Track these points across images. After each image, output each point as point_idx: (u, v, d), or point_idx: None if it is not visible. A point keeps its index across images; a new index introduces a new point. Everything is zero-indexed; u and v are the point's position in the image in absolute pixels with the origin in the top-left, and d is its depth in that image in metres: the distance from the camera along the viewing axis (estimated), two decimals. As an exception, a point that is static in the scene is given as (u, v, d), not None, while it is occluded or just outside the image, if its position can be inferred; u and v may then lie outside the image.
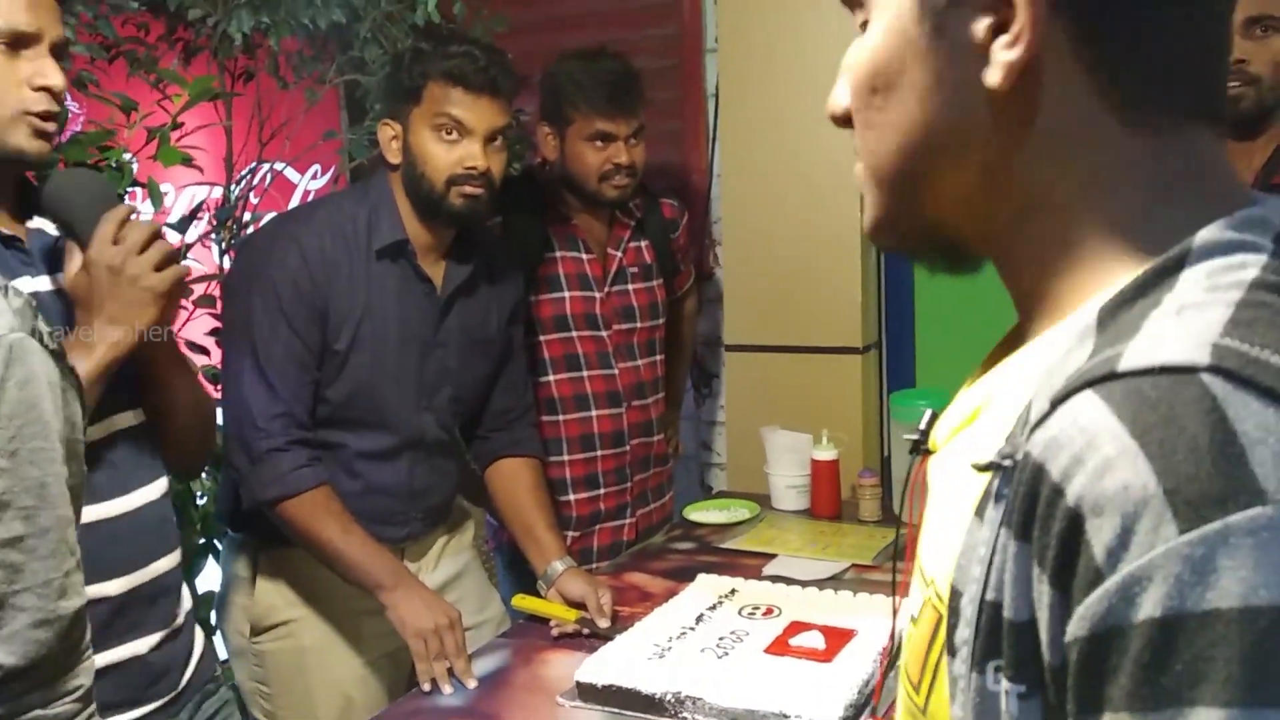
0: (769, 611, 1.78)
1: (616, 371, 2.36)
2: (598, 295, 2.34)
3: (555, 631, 1.79)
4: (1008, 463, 0.52)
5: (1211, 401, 0.46)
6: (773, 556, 2.12)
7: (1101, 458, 0.47)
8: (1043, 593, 0.49)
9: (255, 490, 1.69)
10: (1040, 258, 0.61)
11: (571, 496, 2.30)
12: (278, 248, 1.73)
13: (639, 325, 2.42)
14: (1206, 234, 0.54)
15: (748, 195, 2.68)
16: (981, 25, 0.56)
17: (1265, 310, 0.50)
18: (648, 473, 2.45)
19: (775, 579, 1.96)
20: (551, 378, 2.27)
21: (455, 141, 1.75)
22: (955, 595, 0.56)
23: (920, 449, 0.69)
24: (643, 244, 2.44)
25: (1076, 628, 0.47)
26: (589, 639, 1.77)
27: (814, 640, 1.65)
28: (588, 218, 2.31)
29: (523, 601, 1.87)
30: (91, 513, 1.22)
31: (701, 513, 2.40)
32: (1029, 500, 0.50)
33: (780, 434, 2.43)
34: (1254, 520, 0.44)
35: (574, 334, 2.31)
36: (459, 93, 1.74)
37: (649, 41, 2.91)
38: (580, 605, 1.80)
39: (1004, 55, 0.56)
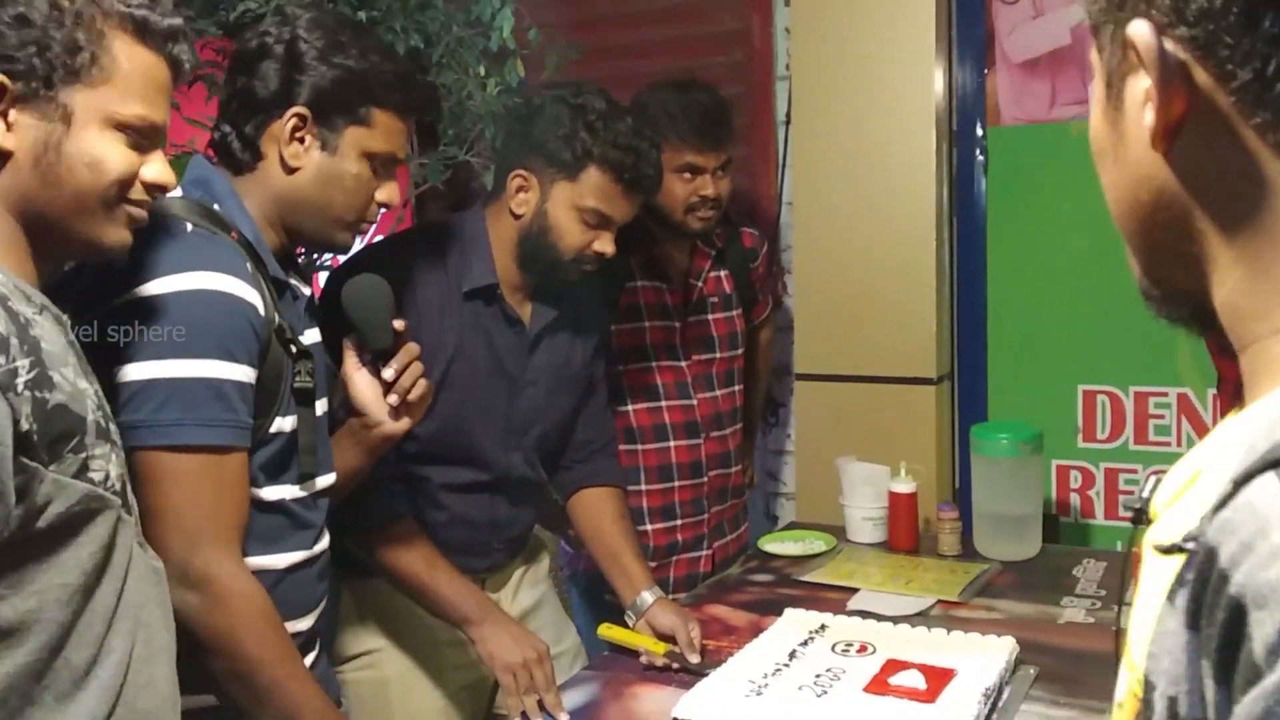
0: (863, 649, 1.73)
1: (695, 402, 2.33)
2: (677, 325, 2.32)
3: (647, 662, 1.75)
4: (1190, 545, 0.50)
5: None
6: (855, 591, 2.08)
7: (1270, 545, 0.44)
8: (1209, 688, 0.46)
9: (342, 524, 1.67)
10: (1251, 318, 0.58)
11: (649, 527, 2.27)
12: None
13: (718, 355, 2.39)
14: None
15: (820, 223, 2.65)
16: (1140, 89, 0.57)
17: None
18: (725, 504, 2.42)
19: (862, 614, 1.92)
20: (630, 407, 2.24)
21: (594, 227, 1.74)
22: (1149, 687, 0.53)
23: (1143, 519, 0.65)
24: (722, 273, 2.42)
25: None
26: (678, 673, 1.74)
27: (914, 680, 1.61)
28: (669, 247, 2.30)
29: (609, 631, 1.84)
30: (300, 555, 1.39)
31: (776, 544, 2.37)
32: (1199, 587, 0.47)
33: (857, 465, 2.39)
34: None
35: (653, 364, 2.29)
36: (616, 189, 1.72)
37: (718, 69, 2.89)
38: (669, 638, 1.76)
39: (1147, 117, 0.56)
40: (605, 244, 1.75)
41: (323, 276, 2.27)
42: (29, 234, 1.01)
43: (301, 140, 1.39)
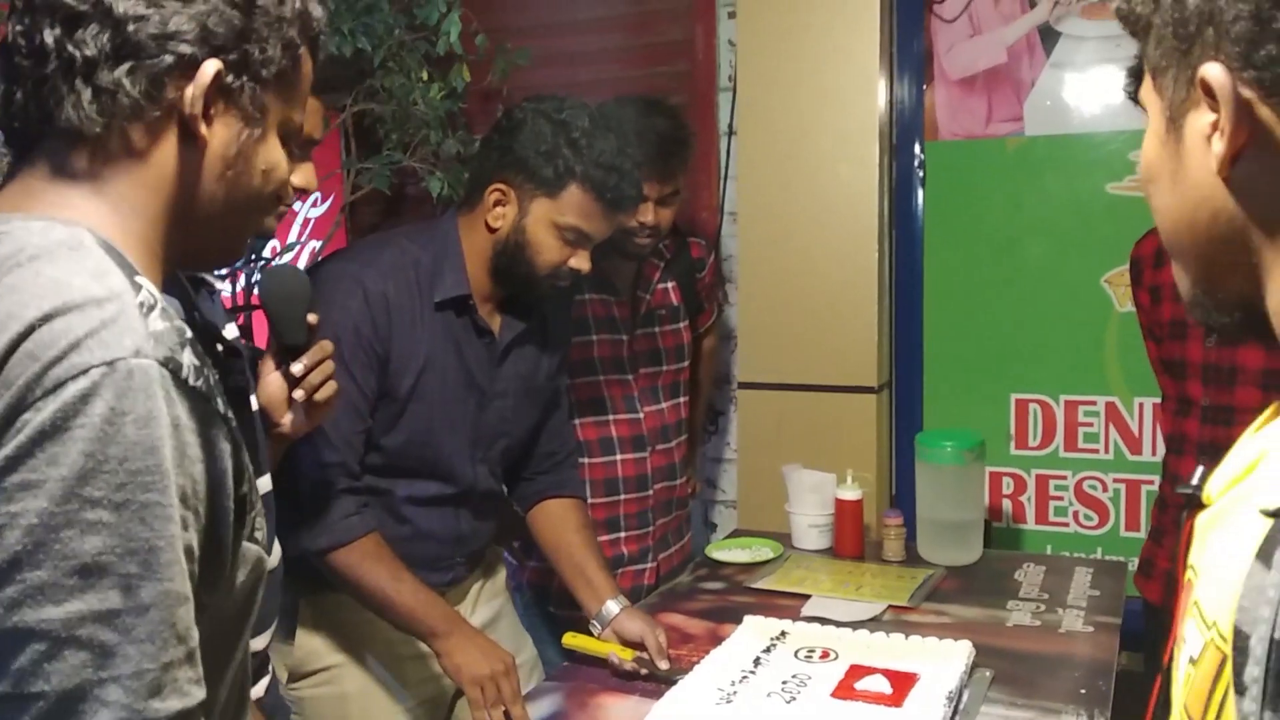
0: (825, 655, 1.76)
1: (642, 415, 2.33)
2: (625, 338, 2.31)
3: (617, 666, 1.76)
4: None
5: None
6: (807, 597, 2.10)
7: None
8: None
9: (304, 539, 1.63)
10: None
11: (595, 539, 2.26)
12: (340, 290, 1.65)
13: (665, 368, 2.40)
14: None
15: (763, 233, 2.68)
16: (1204, 122, 0.64)
17: None
18: (669, 516, 2.42)
19: (819, 620, 1.95)
20: (577, 421, 2.23)
21: (571, 244, 1.72)
22: (1241, 636, 0.57)
23: (1194, 503, 0.70)
24: (670, 285, 2.42)
25: None
26: (645, 680, 1.74)
27: (880, 684, 1.64)
28: (616, 259, 2.29)
29: (574, 640, 1.83)
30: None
31: (724, 551, 2.38)
32: None
33: (804, 473, 2.43)
34: None
35: (600, 378, 2.28)
36: (597, 208, 1.71)
37: (662, 78, 2.91)
38: (638, 645, 1.76)
39: (1216, 146, 0.64)
40: (582, 261, 1.74)
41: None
42: (173, 233, 0.89)
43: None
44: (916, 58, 2.73)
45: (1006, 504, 2.75)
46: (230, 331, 1.35)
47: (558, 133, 1.69)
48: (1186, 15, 0.64)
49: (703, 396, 2.75)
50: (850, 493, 2.35)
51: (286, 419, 1.43)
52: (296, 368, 1.40)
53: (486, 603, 1.96)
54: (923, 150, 2.76)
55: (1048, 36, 2.63)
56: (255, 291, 1.46)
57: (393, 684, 1.79)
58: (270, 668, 1.43)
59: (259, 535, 0.86)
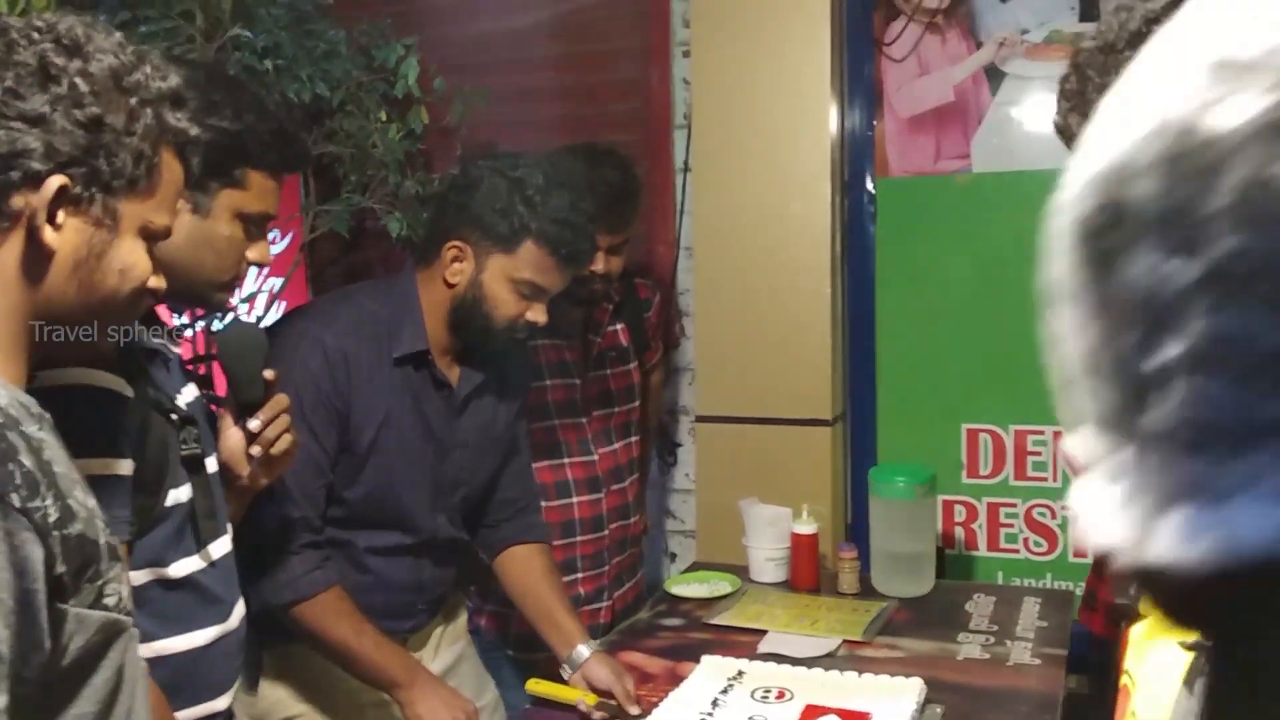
0: (781, 695, 1.80)
1: (596, 457, 2.37)
2: (578, 382, 2.35)
3: (587, 711, 1.80)
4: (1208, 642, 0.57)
5: None
6: (764, 633, 2.14)
7: None
8: None
9: (266, 594, 1.65)
10: None
11: (551, 581, 2.28)
12: (301, 348, 1.68)
13: (616, 409, 2.43)
14: None
15: (719, 269, 2.73)
16: None
17: None
18: (624, 554, 2.46)
19: (773, 657, 1.99)
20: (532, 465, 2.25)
21: (528, 298, 1.76)
22: None
23: (1128, 614, 0.73)
24: (619, 327, 2.46)
25: None
26: (610, 726, 1.77)
27: (834, 725, 1.69)
28: (567, 305, 2.31)
29: (538, 686, 1.86)
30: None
31: (683, 586, 2.42)
32: None
33: (760, 507, 2.47)
34: None
35: (555, 422, 2.31)
36: (551, 263, 1.74)
37: (617, 116, 2.96)
38: (606, 692, 1.79)
39: None
40: (538, 314, 1.77)
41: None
42: (34, 331, 0.97)
43: None
44: (867, 96, 2.80)
45: (959, 531, 2.81)
46: (187, 395, 1.37)
47: (512, 190, 1.72)
48: None
49: (650, 433, 2.79)
50: (806, 527, 2.39)
51: (245, 472, 1.45)
52: (253, 424, 1.43)
53: (448, 647, 1.98)
54: (874, 186, 2.82)
55: (994, 76, 2.70)
56: (216, 346, 1.48)
57: (356, 732, 1.81)
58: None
59: (109, 601, 0.93)
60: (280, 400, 1.45)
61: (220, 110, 1.35)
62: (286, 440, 1.46)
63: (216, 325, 2.42)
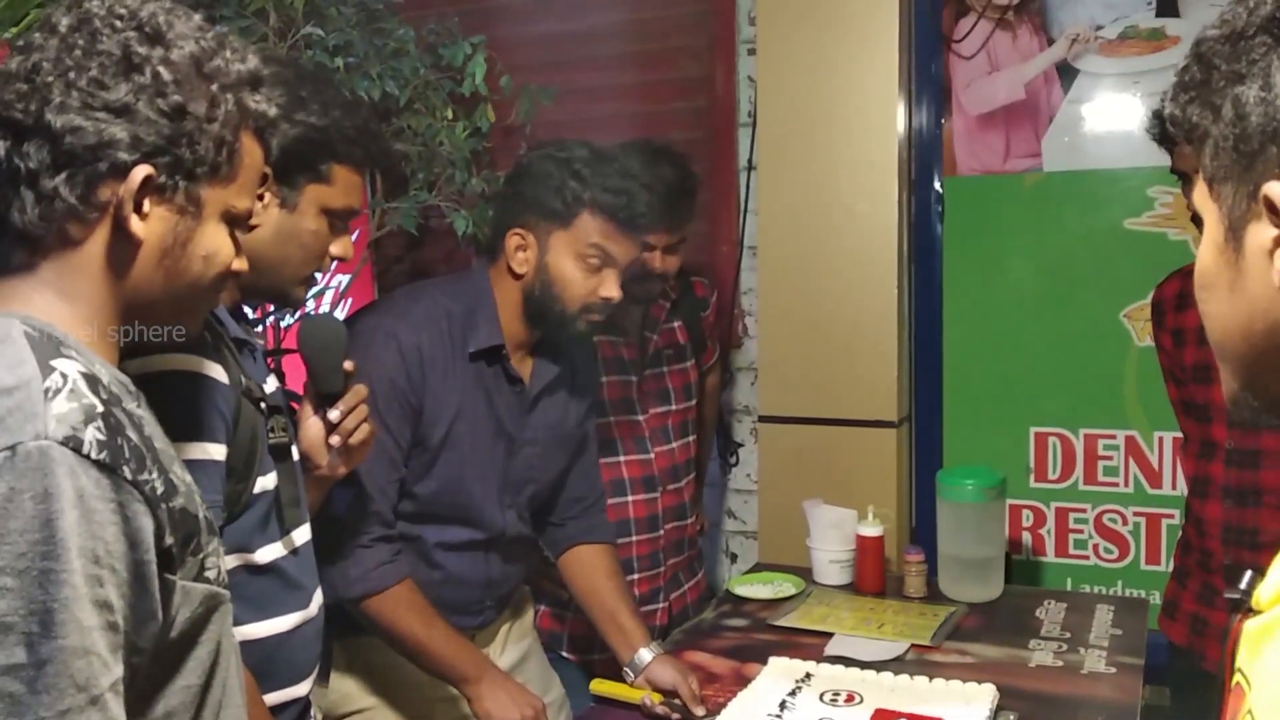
0: (850, 698, 1.78)
1: (652, 456, 2.36)
2: (634, 379, 2.34)
3: (651, 708, 1.79)
4: None
5: None
6: (830, 635, 2.12)
7: None
8: None
9: (339, 587, 1.66)
10: None
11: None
12: (375, 343, 1.69)
13: (674, 408, 2.42)
14: None
15: (783, 268, 2.71)
16: (1267, 237, 0.65)
17: None
18: (681, 556, 2.45)
19: (840, 660, 1.96)
20: None
21: (597, 270, 1.75)
22: None
23: (1243, 608, 0.71)
24: (676, 325, 2.45)
25: None
26: (675, 724, 1.76)
27: (906, 730, 1.66)
28: (625, 302, 2.30)
29: (602, 686, 1.86)
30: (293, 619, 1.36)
31: (747, 587, 2.40)
32: None
33: (824, 508, 2.44)
34: None
35: (611, 419, 2.30)
36: (612, 228, 1.74)
37: (681, 114, 2.95)
38: (670, 693, 1.78)
39: (1277, 263, 0.64)
40: (610, 288, 1.76)
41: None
42: (124, 315, 0.98)
43: (260, 197, 1.36)
44: (935, 93, 2.76)
45: (1026, 537, 2.76)
46: (270, 386, 1.39)
47: (561, 168, 1.74)
48: (1249, 131, 0.65)
49: (708, 433, 2.77)
50: (871, 529, 2.36)
51: (325, 462, 1.49)
52: (333, 414, 1.47)
53: (515, 643, 1.99)
54: (941, 185, 2.78)
55: (1065, 73, 2.66)
56: (296, 338, 1.51)
57: (424, 727, 1.82)
58: (312, 713, 1.46)
59: (210, 574, 0.94)
60: (359, 391, 1.49)
61: (308, 106, 1.37)
62: (365, 430, 1.49)
63: (288, 320, 2.45)
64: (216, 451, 1.23)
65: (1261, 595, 0.69)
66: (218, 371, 1.25)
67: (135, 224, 0.94)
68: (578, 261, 1.74)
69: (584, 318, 1.78)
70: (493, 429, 1.79)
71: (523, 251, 1.77)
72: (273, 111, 1.05)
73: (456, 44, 2.52)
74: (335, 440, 1.47)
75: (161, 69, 0.93)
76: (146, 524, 0.85)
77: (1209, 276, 0.72)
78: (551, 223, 1.75)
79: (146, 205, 0.94)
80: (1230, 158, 0.67)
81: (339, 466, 1.50)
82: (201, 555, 0.93)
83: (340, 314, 2.75)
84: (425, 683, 1.77)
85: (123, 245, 0.95)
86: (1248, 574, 0.73)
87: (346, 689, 1.79)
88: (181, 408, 1.19)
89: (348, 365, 1.48)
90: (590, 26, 2.96)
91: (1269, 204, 0.64)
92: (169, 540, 0.88)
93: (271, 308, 2.28)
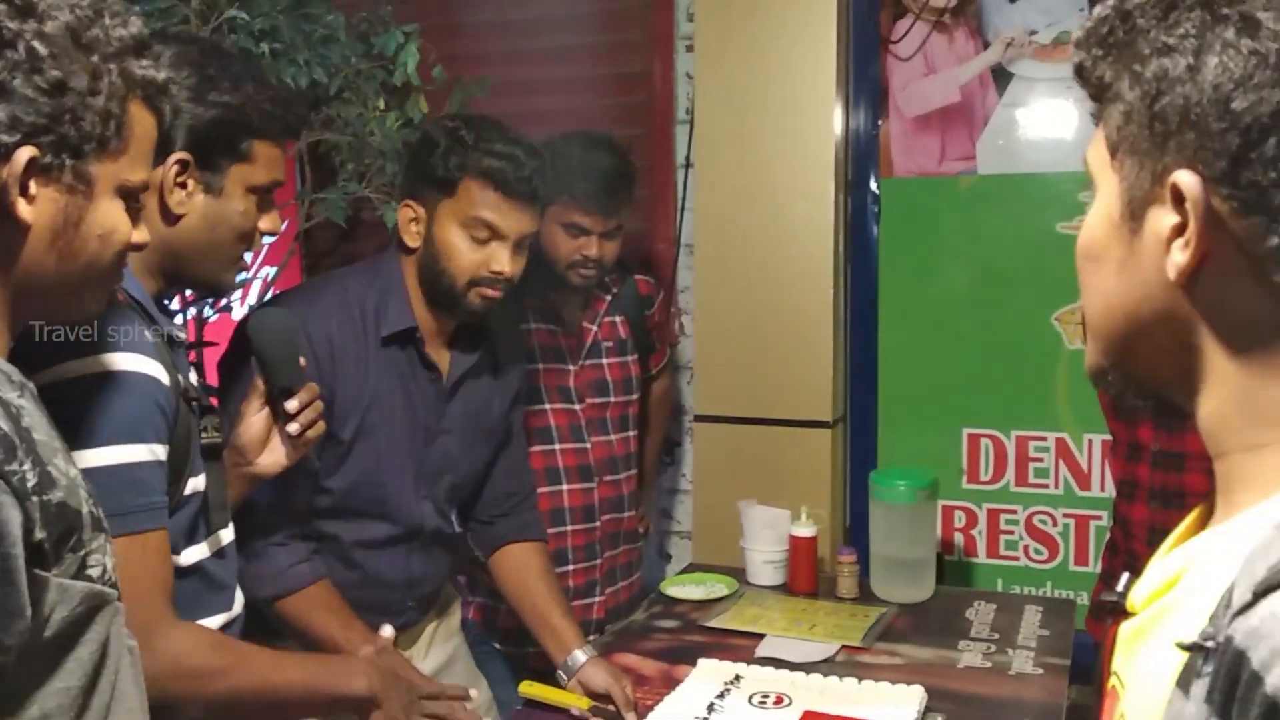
0: (779, 700, 1.76)
1: (589, 445, 2.33)
2: (571, 368, 2.32)
3: (581, 716, 1.76)
4: (1211, 644, 0.56)
5: None
6: (761, 636, 2.10)
7: None
8: None
9: (252, 587, 1.60)
10: (1233, 431, 0.65)
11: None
12: None
13: (612, 400, 2.40)
14: None
15: (720, 266, 2.69)
16: (1167, 225, 0.63)
17: None
18: (617, 550, 2.42)
19: (771, 661, 1.95)
20: None
21: (484, 243, 1.70)
22: None
23: (1118, 611, 0.71)
24: (618, 319, 2.43)
25: None
26: (606, 731, 1.74)
27: (834, 733, 1.65)
28: (564, 292, 2.29)
29: (531, 689, 1.82)
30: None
31: (679, 588, 2.38)
32: (1230, 683, 0.54)
33: (759, 509, 2.43)
34: None
35: (546, 406, 2.28)
36: (496, 197, 1.68)
37: (618, 109, 2.92)
38: (603, 697, 1.75)
39: (1178, 256, 0.62)
40: (500, 262, 1.70)
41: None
42: (15, 302, 0.93)
43: (184, 186, 1.32)
44: (872, 94, 2.76)
45: (958, 537, 2.77)
46: (193, 380, 1.35)
47: (448, 137, 1.70)
48: (1167, 110, 0.62)
49: (656, 438, 2.75)
50: (805, 529, 2.35)
51: (263, 459, 1.49)
52: (292, 404, 1.47)
53: (441, 645, 1.94)
54: (878, 186, 2.78)
55: (1000, 77, 2.67)
56: (249, 331, 1.50)
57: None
58: None
59: (92, 572, 0.90)
60: (313, 386, 1.50)
61: (219, 85, 1.33)
62: (320, 426, 1.51)
63: (209, 312, 2.38)
64: (161, 452, 1.21)
65: (1136, 597, 0.69)
66: (159, 371, 1.22)
67: (22, 208, 0.89)
68: (463, 231, 1.69)
69: (475, 292, 1.71)
70: (409, 418, 1.75)
71: (414, 224, 1.73)
72: (162, 76, 1.00)
73: (388, 33, 2.47)
74: (294, 428, 1.47)
75: (36, 43, 0.88)
76: (14, 516, 0.81)
77: (1098, 248, 0.69)
78: (437, 192, 1.71)
79: (33, 187, 0.90)
80: (1141, 131, 0.64)
81: (284, 459, 1.50)
82: (83, 552, 0.89)
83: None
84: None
85: (10, 231, 0.90)
86: (1124, 576, 0.72)
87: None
88: (125, 407, 1.17)
89: (303, 360, 1.48)
90: (526, 19, 2.92)
91: (1175, 193, 0.62)
92: (40, 535, 0.83)
93: (192, 299, 2.22)
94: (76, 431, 1.13)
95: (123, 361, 1.18)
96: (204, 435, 1.31)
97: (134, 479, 1.18)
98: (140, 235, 1.02)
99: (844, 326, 2.75)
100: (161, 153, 1.29)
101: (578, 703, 1.76)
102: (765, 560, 2.40)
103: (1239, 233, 0.60)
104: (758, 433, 2.68)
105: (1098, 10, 0.68)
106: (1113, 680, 0.70)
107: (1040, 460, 2.69)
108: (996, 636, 2.11)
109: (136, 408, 1.18)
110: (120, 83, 0.94)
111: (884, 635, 2.12)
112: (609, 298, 2.40)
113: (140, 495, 1.19)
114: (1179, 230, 0.62)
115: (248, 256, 1.49)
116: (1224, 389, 0.65)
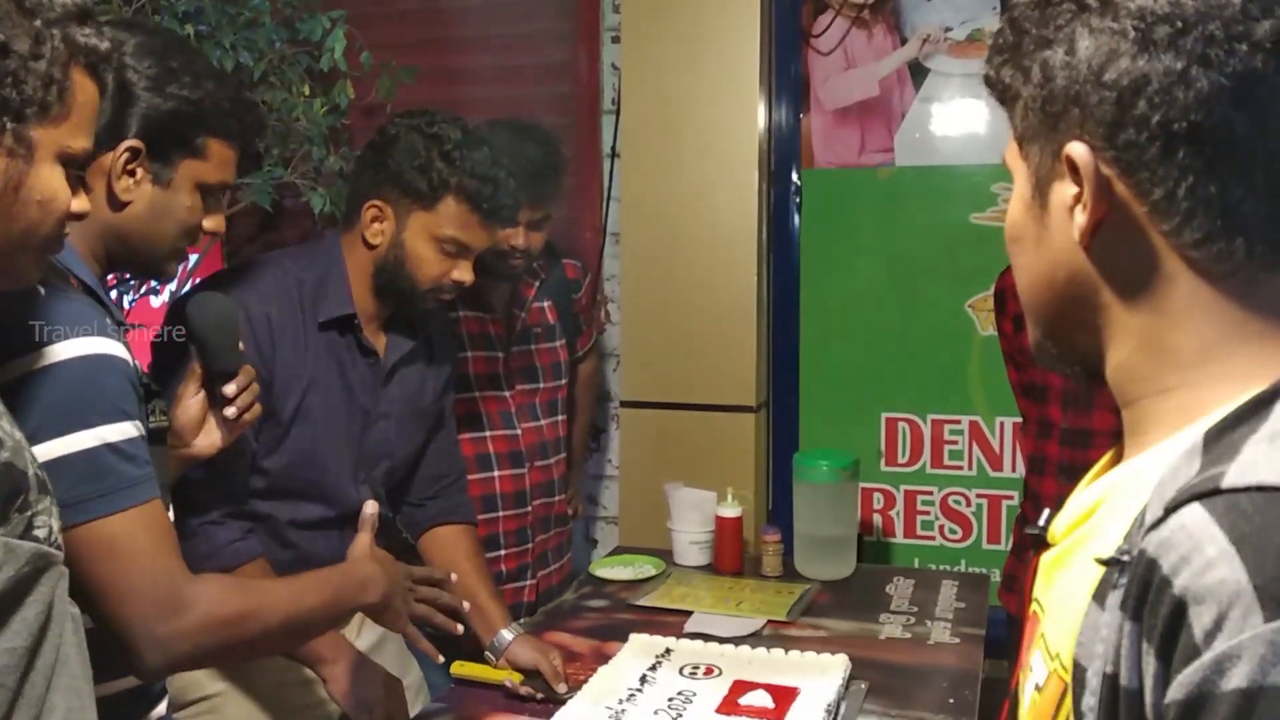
0: (709, 671, 1.81)
1: (519, 432, 2.35)
2: (501, 355, 2.33)
3: (514, 688, 1.78)
4: (1126, 558, 0.62)
5: None
6: (689, 614, 2.15)
7: (1204, 558, 0.57)
8: (1149, 664, 0.59)
9: (189, 565, 1.60)
10: (1142, 379, 0.72)
11: (474, 557, 2.27)
12: None
13: (542, 385, 2.42)
14: None
15: (645, 254, 2.73)
16: (1068, 195, 0.70)
17: None
18: (549, 533, 2.45)
19: (700, 636, 1.99)
20: None
21: (451, 256, 1.73)
22: (1079, 669, 0.65)
23: (1040, 543, 0.76)
24: (546, 304, 2.45)
25: (1174, 693, 0.57)
26: (540, 703, 1.76)
27: (762, 699, 1.70)
28: (491, 279, 2.30)
29: (463, 668, 1.83)
30: None
31: (607, 569, 2.41)
32: (1142, 588, 0.60)
33: (685, 491, 2.48)
34: None
35: (476, 394, 2.29)
36: (474, 219, 1.72)
37: (545, 99, 2.94)
38: (532, 672, 1.78)
39: (1079, 218, 0.69)
40: (464, 273, 1.76)
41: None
42: None
43: (133, 174, 1.33)
44: (794, 87, 2.83)
45: (877, 518, 2.86)
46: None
47: (431, 146, 1.71)
48: (1054, 93, 0.69)
49: (583, 419, 2.78)
50: (730, 510, 2.41)
51: (199, 441, 1.48)
52: (230, 388, 1.46)
53: (371, 626, 1.94)
54: (799, 177, 2.85)
55: (917, 72, 2.76)
56: (187, 315, 1.49)
57: (277, 712, 1.76)
58: (165, 701, 1.41)
59: (39, 533, 0.91)
60: (250, 370, 1.49)
61: (179, 78, 1.34)
62: (257, 409, 1.50)
63: (131, 297, 2.34)
64: (141, 428, 1.23)
65: (1056, 528, 0.75)
66: (124, 353, 1.23)
67: None
68: (434, 245, 1.73)
69: (433, 296, 1.77)
70: (346, 401, 1.76)
71: (379, 223, 1.74)
72: (104, 45, 1.01)
73: (314, 18, 2.46)
74: (230, 412, 1.47)
75: None
76: None
77: (1018, 230, 0.76)
78: (413, 201, 1.72)
79: None
80: (1038, 118, 0.71)
81: (220, 442, 1.50)
82: (30, 513, 0.89)
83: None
84: (277, 667, 1.72)
85: None
86: (1045, 511, 0.78)
87: (194, 675, 1.71)
88: (111, 387, 1.18)
89: (241, 345, 1.48)
90: (454, 7, 2.93)
91: (1070, 163, 0.68)
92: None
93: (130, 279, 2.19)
94: (69, 413, 1.14)
95: (98, 345, 1.18)
96: (151, 419, 1.31)
97: (130, 454, 1.19)
98: (80, 204, 1.03)
99: (767, 313, 2.81)
100: (114, 138, 1.30)
101: (511, 676, 1.78)
102: (691, 541, 2.45)
103: (1127, 191, 0.67)
104: (683, 417, 2.73)
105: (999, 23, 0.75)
106: (1034, 606, 0.76)
107: (955, 443, 2.79)
108: (915, 609, 2.18)
109: (119, 387, 1.20)
110: (63, 48, 0.95)
111: (808, 610, 2.18)
112: (537, 284, 2.42)
113: (137, 467, 1.20)
114: (1078, 198, 0.69)
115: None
116: (1131, 340, 0.71)
